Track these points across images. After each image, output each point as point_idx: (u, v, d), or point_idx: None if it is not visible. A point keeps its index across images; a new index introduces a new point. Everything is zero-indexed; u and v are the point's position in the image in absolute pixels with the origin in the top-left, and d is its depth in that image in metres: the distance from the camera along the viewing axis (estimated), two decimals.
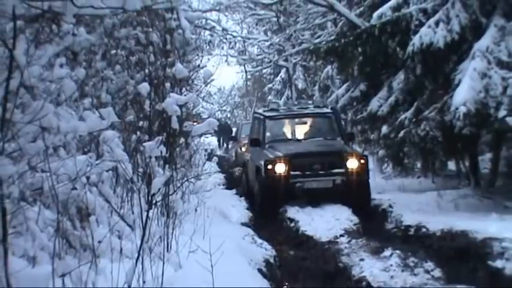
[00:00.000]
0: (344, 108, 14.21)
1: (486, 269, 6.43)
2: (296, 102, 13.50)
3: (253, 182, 11.64)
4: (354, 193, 10.03)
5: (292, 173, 10.28)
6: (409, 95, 11.27)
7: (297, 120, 12.18)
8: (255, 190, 11.28)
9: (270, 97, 29.99)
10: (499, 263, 6.41)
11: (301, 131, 12.02)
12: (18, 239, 3.74)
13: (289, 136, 12.05)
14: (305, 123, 12.13)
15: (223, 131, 25.19)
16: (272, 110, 12.46)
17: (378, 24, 11.33)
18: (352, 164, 10.26)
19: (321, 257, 7.66)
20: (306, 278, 6.90)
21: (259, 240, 8.33)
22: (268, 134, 11.86)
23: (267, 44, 24.01)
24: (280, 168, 10.21)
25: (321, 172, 10.41)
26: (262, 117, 12.26)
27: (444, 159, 12.23)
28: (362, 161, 10.40)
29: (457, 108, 9.27)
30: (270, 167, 10.26)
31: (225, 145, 25.84)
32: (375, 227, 9.59)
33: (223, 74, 30.72)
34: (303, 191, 10.31)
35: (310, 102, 13.41)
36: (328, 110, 12.39)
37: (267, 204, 10.46)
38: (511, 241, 6.63)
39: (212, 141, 20.00)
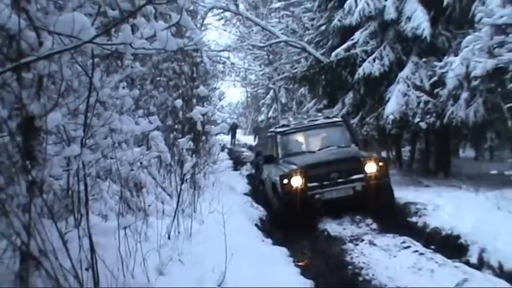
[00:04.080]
0: None
1: (406, 223, 6.49)
2: (306, 116, 9.44)
3: (271, 198, 8.03)
4: (377, 198, 6.83)
5: (309, 184, 6.90)
6: (356, 107, 11.29)
7: (308, 132, 8.43)
8: (273, 206, 7.86)
9: (263, 108, 29.95)
10: (414, 219, 6.48)
11: (314, 142, 8.33)
12: (95, 203, 3.77)
13: (302, 149, 8.29)
14: (317, 134, 8.46)
15: (233, 128, 25.87)
16: (283, 126, 8.76)
17: (335, 60, 11.32)
18: (371, 168, 6.94)
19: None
20: (287, 229, 6.91)
21: (256, 205, 8.35)
22: (281, 149, 8.23)
23: (261, 73, 24.07)
24: (297, 181, 6.87)
25: (339, 180, 6.94)
26: (274, 134, 8.66)
27: (379, 150, 12.25)
28: (381, 164, 7.08)
29: (387, 116, 9.42)
30: (285, 181, 6.92)
31: (233, 141, 25.87)
32: None
33: (231, 93, 30.83)
34: (323, 202, 6.94)
35: (319, 114, 9.46)
36: (339, 119, 8.80)
37: (286, 220, 7.04)
38: (422, 204, 6.69)
39: (224, 138, 19.95)
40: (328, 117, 8.78)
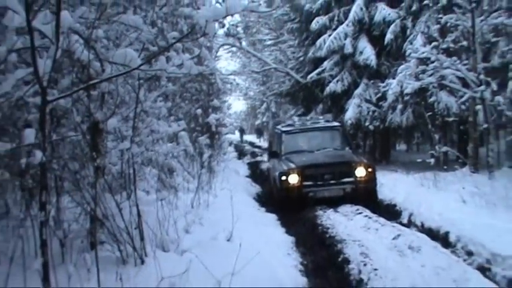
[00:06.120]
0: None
1: None
2: (309, 118, 7.77)
3: (273, 187, 6.52)
4: (363, 200, 5.50)
5: (305, 183, 5.63)
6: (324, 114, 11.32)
7: (309, 133, 6.84)
8: (274, 195, 6.34)
9: (259, 115, 29.77)
10: None
11: (314, 143, 6.64)
12: (141, 182, 3.77)
13: (303, 148, 6.56)
14: (317, 136, 6.79)
15: (241, 131, 25.81)
16: (288, 125, 7.12)
17: (310, 81, 11.31)
18: (361, 172, 5.65)
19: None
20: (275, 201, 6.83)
21: (254, 184, 8.32)
22: (284, 146, 6.62)
23: (257, 90, 23.94)
24: (294, 179, 5.63)
25: (332, 182, 5.67)
26: (279, 131, 6.99)
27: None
28: (370, 170, 5.72)
29: (347, 121, 9.46)
30: (284, 178, 5.68)
31: (242, 139, 25.85)
32: None
33: (236, 105, 30.55)
34: (315, 200, 5.63)
35: (320, 117, 7.62)
36: (337, 124, 7.22)
37: (290, 213, 5.49)
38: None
39: (231, 136, 19.77)
40: (328, 121, 7.20)
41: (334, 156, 6.16)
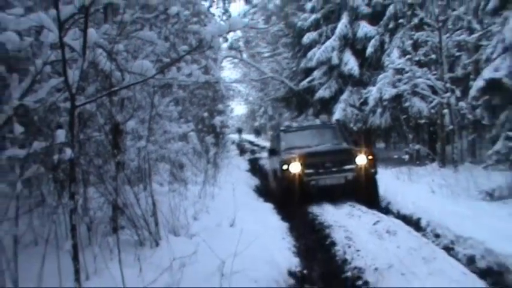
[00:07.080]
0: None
1: None
2: (305, 121, 7.22)
3: (272, 183, 6.01)
4: (364, 188, 4.79)
5: (306, 171, 4.81)
6: (315, 117, 11.33)
7: (307, 131, 6.03)
8: (274, 189, 5.69)
9: (258, 118, 29.70)
10: None
11: (312, 139, 5.70)
12: (155, 176, 3.77)
13: (301, 144, 5.52)
14: (314, 133, 5.97)
15: (239, 131, 25.79)
16: (287, 126, 6.43)
17: (302, 88, 11.34)
18: (361, 160, 4.83)
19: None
20: (273, 192, 6.81)
21: (253, 177, 8.30)
22: (283, 143, 5.76)
23: (256, 96, 23.93)
24: (295, 167, 4.81)
25: (333, 169, 4.85)
26: (278, 132, 6.32)
27: None
28: (370, 157, 4.89)
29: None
30: (285, 167, 4.86)
31: (240, 137, 25.81)
32: None
33: (238, 109, 30.51)
34: (317, 188, 4.85)
35: (317, 120, 7.02)
36: (332, 123, 6.77)
37: (284, 202, 4.93)
38: None
39: (233, 136, 19.65)
40: (324, 123, 6.58)
41: (334, 146, 5.48)
